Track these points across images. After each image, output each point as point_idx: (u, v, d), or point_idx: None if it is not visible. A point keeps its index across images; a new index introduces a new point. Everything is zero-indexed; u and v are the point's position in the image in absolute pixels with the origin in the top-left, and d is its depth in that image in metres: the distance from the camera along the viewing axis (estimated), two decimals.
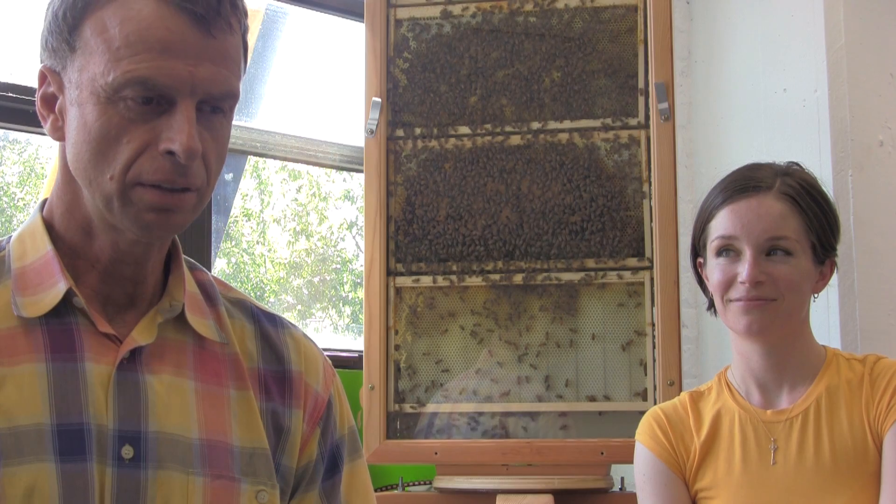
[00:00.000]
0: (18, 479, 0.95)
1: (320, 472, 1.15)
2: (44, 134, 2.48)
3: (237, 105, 1.08)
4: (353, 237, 3.24)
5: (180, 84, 0.99)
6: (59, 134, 1.05)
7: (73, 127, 1.02)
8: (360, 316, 2.26)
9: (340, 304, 3.23)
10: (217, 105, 1.03)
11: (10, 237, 1.09)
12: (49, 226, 1.08)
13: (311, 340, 1.22)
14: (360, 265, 3.12)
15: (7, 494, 0.94)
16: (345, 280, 3.25)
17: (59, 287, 1.02)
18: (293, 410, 1.14)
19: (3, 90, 2.23)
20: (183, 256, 1.14)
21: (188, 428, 1.04)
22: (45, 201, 1.11)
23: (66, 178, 1.06)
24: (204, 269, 1.18)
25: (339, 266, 3.27)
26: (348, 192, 3.22)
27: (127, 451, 0.99)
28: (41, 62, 1.06)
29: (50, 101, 1.06)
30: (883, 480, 1.55)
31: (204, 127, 1.02)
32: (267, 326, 1.17)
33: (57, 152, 1.08)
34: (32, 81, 2.28)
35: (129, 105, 0.99)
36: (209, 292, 1.15)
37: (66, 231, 1.06)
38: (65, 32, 1.02)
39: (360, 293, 2.82)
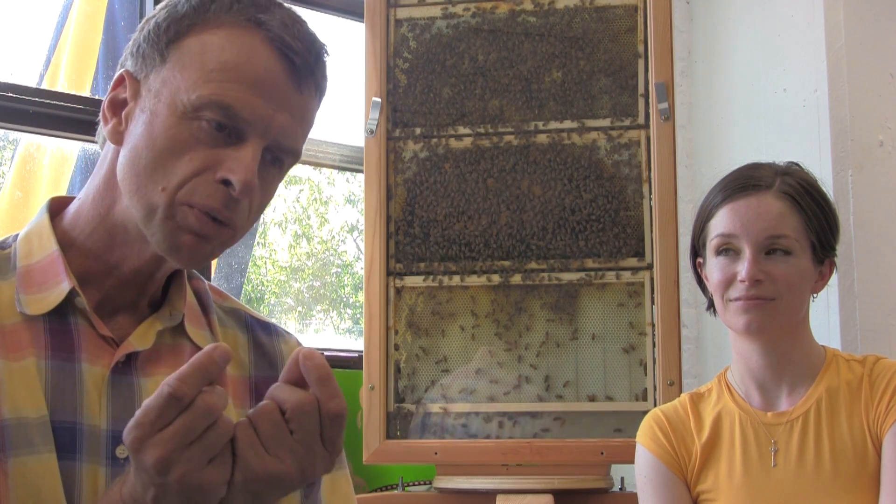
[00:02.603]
0: (28, 469, 0.96)
1: None
2: (43, 134, 2.47)
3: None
4: (354, 241, 3.24)
5: (258, 122, 1.01)
6: (117, 138, 1.05)
7: (136, 133, 1.03)
8: (361, 319, 2.26)
9: (341, 307, 3.23)
10: (279, 156, 1.05)
11: (17, 235, 1.10)
12: (64, 228, 1.08)
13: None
14: (360, 268, 3.12)
15: (17, 484, 0.95)
16: (345, 283, 3.25)
17: (62, 286, 1.03)
18: None
19: (3, 90, 2.23)
20: None
21: None
22: (51, 200, 1.11)
23: (110, 183, 1.06)
24: (200, 276, 1.19)
25: (339, 270, 3.27)
26: (351, 194, 3.22)
27: (122, 451, 1.00)
28: (122, 67, 1.07)
29: (118, 106, 1.06)
30: (882, 482, 1.55)
31: (259, 173, 1.04)
32: (261, 335, 1.19)
33: (104, 157, 1.09)
34: (32, 81, 2.29)
35: (203, 126, 1.00)
36: (204, 301, 1.16)
37: (90, 234, 1.07)
38: (162, 43, 1.03)
39: (361, 297, 2.82)
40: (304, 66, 1.04)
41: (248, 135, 1.01)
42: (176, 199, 1.01)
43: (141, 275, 1.07)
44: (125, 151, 1.04)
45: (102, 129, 1.08)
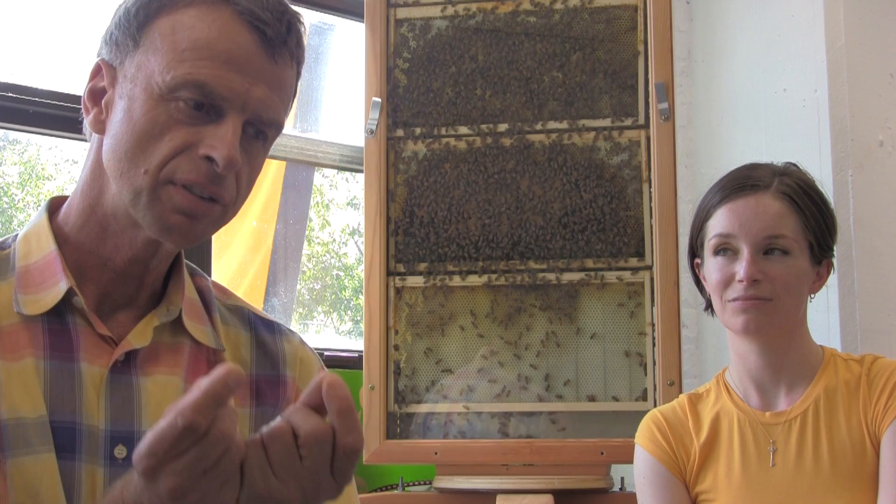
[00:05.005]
0: (27, 469, 0.96)
1: None
2: (43, 134, 2.48)
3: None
4: (356, 243, 3.24)
5: (234, 97, 1.01)
6: (99, 127, 1.06)
7: (116, 119, 1.03)
8: (361, 321, 2.26)
9: (341, 309, 3.23)
10: (261, 129, 1.06)
11: (17, 235, 1.10)
12: (58, 224, 1.09)
13: (309, 348, 1.23)
14: (361, 271, 3.13)
15: (16, 484, 0.95)
16: (346, 286, 3.25)
17: (60, 286, 1.03)
18: (281, 412, 1.14)
19: (3, 90, 2.23)
20: (185, 262, 1.15)
21: None
22: (51, 200, 1.12)
23: (96, 173, 1.07)
24: (204, 274, 1.19)
25: (340, 273, 3.27)
26: (353, 197, 3.22)
27: (120, 451, 1.01)
28: (99, 56, 1.08)
29: (97, 95, 1.07)
30: (881, 480, 1.55)
31: (244, 148, 1.04)
32: (264, 333, 1.18)
33: (90, 148, 1.10)
34: (32, 81, 2.29)
35: (181, 106, 1.01)
36: (206, 298, 1.16)
37: (81, 227, 1.07)
38: (133, 28, 1.04)
39: (361, 300, 2.83)
40: (276, 36, 1.04)
41: (226, 111, 1.02)
42: (159, 179, 1.01)
43: (136, 264, 1.07)
44: (108, 139, 1.04)
45: (85, 121, 1.08)
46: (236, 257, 2.81)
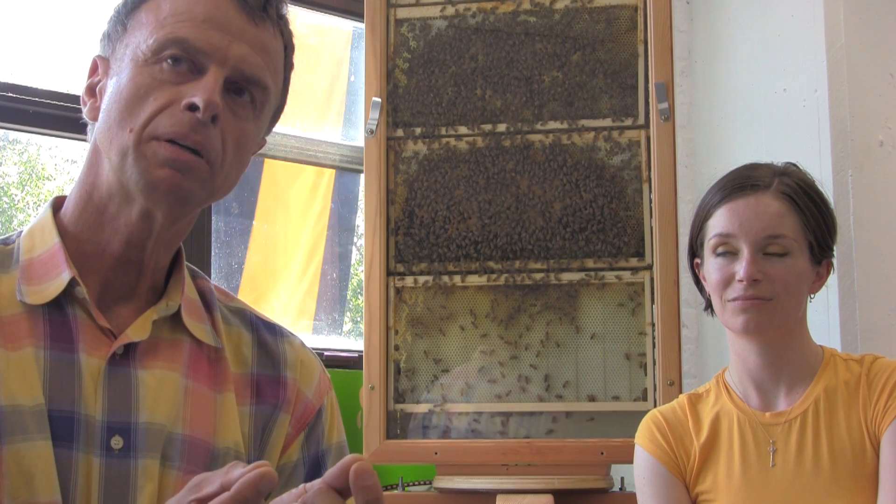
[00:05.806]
0: (22, 455, 0.97)
1: (300, 477, 1.17)
2: (43, 134, 2.48)
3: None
4: (355, 243, 3.24)
5: (214, 51, 1.05)
6: (94, 114, 1.09)
7: (106, 98, 1.07)
8: (361, 321, 2.26)
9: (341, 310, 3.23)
10: (245, 88, 1.08)
11: (21, 232, 1.12)
12: (60, 218, 1.10)
13: (311, 351, 1.24)
14: (361, 272, 3.13)
15: (11, 470, 0.96)
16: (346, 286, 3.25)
17: (62, 277, 1.04)
18: (281, 413, 1.16)
19: (3, 90, 2.23)
20: (186, 264, 1.16)
21: (174, 422, 1.06)
22: (55, 198, 1.14)
23: (93, 159, 1.09)
24: (206, 277, 1.20)
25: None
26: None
27: (116, 442, 1.02)
28: (96, 55, 1.12)
29: (93, 88, 1.11)
30: (881, 480, 1.55)
31: (230, 108, 1.07)
32: (265, 335, 1.20)
33: (90, 139, 1.12)
34: (32, 81, 2.29)
35: (164, 68, 1.04)
36: (208, 299, 1.17)
37: (80, 216, 1.09)
38: (122, 16, 1.09)
39: (361, 300, 2.84)
40: (254, 1, 1.08)
41: (207, 66, 1.05)
42: (143, 136, 1.03)
43: (133, 249, 1.08)
44: (100, 120, 1.07)
45: (85, 117, 1.12)
46: (295, 272, 2.82)
